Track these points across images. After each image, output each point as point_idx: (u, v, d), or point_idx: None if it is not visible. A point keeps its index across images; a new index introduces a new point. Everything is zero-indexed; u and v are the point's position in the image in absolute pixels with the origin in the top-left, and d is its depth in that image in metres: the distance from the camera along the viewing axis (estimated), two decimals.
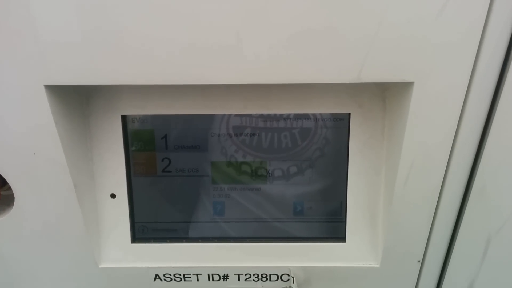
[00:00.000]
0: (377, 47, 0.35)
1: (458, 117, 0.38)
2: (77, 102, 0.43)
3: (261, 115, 0.46)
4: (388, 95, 0.43)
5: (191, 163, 0.48)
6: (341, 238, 0.49)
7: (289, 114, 0.45)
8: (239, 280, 0.49)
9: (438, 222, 0.44)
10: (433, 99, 0.37)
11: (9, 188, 0.44)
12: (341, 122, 0.45)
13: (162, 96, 0.44)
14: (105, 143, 0.46)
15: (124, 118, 0.45)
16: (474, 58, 0.36)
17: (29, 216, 0.45)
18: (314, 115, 0.45)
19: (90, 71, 0.37)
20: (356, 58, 0.36)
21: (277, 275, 0.49)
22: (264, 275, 0.49)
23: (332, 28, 0.35)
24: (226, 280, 0.50)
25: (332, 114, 0.45)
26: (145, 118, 0.46)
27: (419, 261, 0.46)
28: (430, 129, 0.39)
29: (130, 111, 0.45)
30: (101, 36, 0.35)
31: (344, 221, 0.49)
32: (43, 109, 0.38)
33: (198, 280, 0.50)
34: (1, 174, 0.42)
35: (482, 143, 0.40)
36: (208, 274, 0.49)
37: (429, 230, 0.45)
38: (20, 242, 0.47)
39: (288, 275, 0.49)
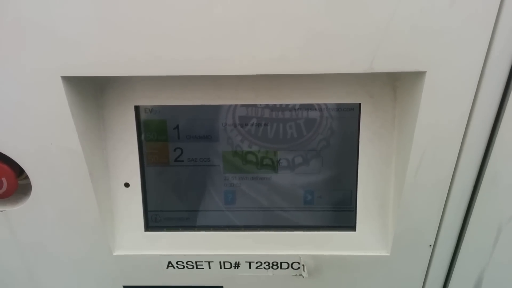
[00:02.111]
0: (389, 36, 0.35)
1: (470, 106, 0.38)
2: (92, 93, 0.44)
3: (271, 105, 0.46)
4: (398, 84, 0.43)
5: (202, 153, 0.49)
6: (351, 227, 0.50)
7: (300, 104, 0.46)
8: (250, 268, 0.50)
9: (448, 211, 0.44)
10: (445, 88, 0.38)
11: (26, 177, 0.45)
12: (352, 112, 0.46)
13: (174, 87, 0.45)
14: (119, 133, 0.47)
15: (137, 108, 0.46)
16: (487, 47, 0.36)
17: (45, 205, 0.46)
18: (324, 105, 0.46)
19: (105, 63, 0.38)
20: (369, 47, 0.36)
21: (288, 263, 0.50)
22: (275, 263, 0.50)
23: (344, 17, 0.35)
24: (237, 268, 0.50)
25: (342, 104, 0.45)
26: (157, 109, 0.46)
27: (430, 245, 0.46)
28: (442, 118, 0.39)
29: (143, 102, 0.46)
30: (115, 29, 0.36)
31: (354, 210, 0.49)
32: (60, 100, 0.39)
33: (210, 267, 0.50)
34: (19, 163, 0.43)
35: (494, 132, 0.40)
36: (220, 262, 0.50)
37: (439, 219, 0.45)
38: (36, 230, 0.48)
39: (299, 263, 0.50)
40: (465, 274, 0.49)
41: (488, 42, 0.36)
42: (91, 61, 0.37)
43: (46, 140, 0.42)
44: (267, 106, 0.46)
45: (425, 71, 0.37)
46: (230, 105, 0.46)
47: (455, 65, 0.37)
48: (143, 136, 0.47)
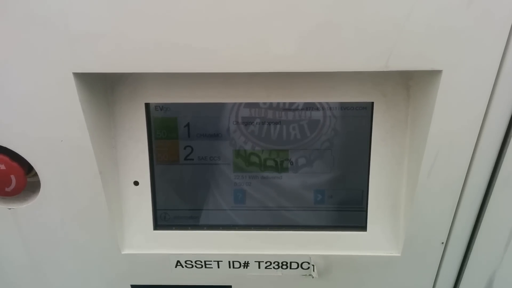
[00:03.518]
0: (406, 35, 0.35)
1: (486, 106, 0.38)
2: (103, 90, 0.44)
3: (282, 104, 0.46)
4: (412, 84, 0.43)
5: (213, 152, 0.48)
6: (362, 227, 0.49)
7: (313, 103, 0.45)
8: (259, 267, 0.50)
9: (461, 212, 0.44)
10: (461, 88, 0.37)
11: (35, 175, 0.44)
12: (364, 111, 0.45)
13: (185, 85, 0.44)
14: (129, 131, 0.46)
15: (147, 106, 0.46)
16: (504, 47, 0.35)
17: (54, 203, 0.46)
18: (337, 103, 0.45)
19: (116, 59, 0.37)
20: (385, 46, 0.36)
21: (298, 263, 0.50)
22: (284, 263, 0.50)
23: (361, 15, 0.35)
24: (246, 268, 0.50)
25: (355, 103, 0.45)
26: (168, 106, 0.46)
27: (442, 243, 0.46)
28: (457, 118, 0.39)
29: (153, 99, 0.45)
30: (126, 26, 0.36)
31: (365, 210, 0.49)
32: (72, 97, 0.39)
33: (219, 267, 0.50)
34: (28, 161, 0.43)
35: (509, 133, 0.39)
36: (229, 261, 0.50)
37: (451, 220, 0.45)
38: (45, 228, 0.48)
39: (309, 263, 0.49)
40: (476, 275, 0.48)
41: (505, 42, 0.35)
42: (103, 57, 0.37)
43: (56, 137, 0.41)
44: (277, 104, 0.46)
45: (441, 70, 0.36)
46: (241, 103, 0.46)
47: (471, 64, 0.36)
48: (153, 133, 0.47)
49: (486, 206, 0.43)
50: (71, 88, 0.38)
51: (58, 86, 0.38)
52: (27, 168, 0.44)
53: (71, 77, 0.38)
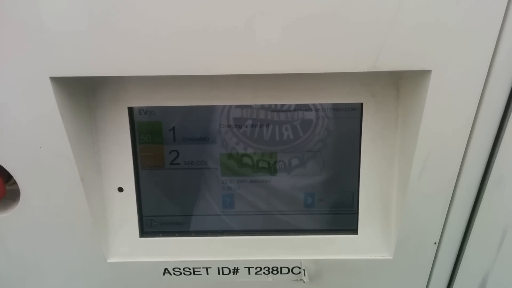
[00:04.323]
0: (395, 34, 0.34)
1: (477, 105, 0.37)
2: (83, 94, 0.42)
3: (270, 106, 0.45)
4: (402, 84, 0.42)
5: (199, 156, 0.47)
6: (353, 230, 0.48)
7: (300, 105, 0.44)
8: (249, 273, 0.49)
9: (453, 213, 0.43)
10: (451, 87, 0.36)
11: (15, 183, 0.43)
12: (354, 112, 0.44)
13: (169, 87, 0.43)
14: (112, 136, 0.45)
15: (131, 110, 0.44)
16: (494, 46, 0.35)
17: (35, 211, 0.44)
18: (325, 105, 0.44)
19: (96, 62, 0.36)
20: (373, 45, 0.35)
21: (288, 268, 0.48)
22: (274, 268, 0.49)
23: (348, 14, 0.34)
24: (236, 274, 0.49)
25: (344, 104, 0.44)
26: (152, 110, 0.45)
27: (435, 243, 0.45)
28: (447, 118, 0.38)
29: (137, 103, 0.44)
30: (107, 26, 0.34)
31: (356, 213, 0.48)
32: (49, 102, 0.37)
33: (208, 273, 0.49)
34: (7, 169, 0.41)
35: (500, 133, 0.39)
36: (218, 268, 0.49)
37: (443, 222, 0.44)
38: (26, 237, 0.46)
39: (299, 268, 0.48)
40: (469, 277, 0.48)
41: (496, 40, 0.34)
42: (81, 60, 0.36)
43: (35, 144, 0.40)
44: (265, 107, 0.45)
45: (431, 70, 0.36)
46: (228, 106, 0.45)
47: (461, 63, 0.35)
48: (137, 138, 0.46)
49: (479, 207, 0.43)
50: (48, 93, 0.37)
51: (34, 91, 0.37)
52: (6, 176, 0.43)
53: (48, 81, 0.36)
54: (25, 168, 0.41)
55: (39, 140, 0.40)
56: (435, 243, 0.45)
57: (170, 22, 0.34)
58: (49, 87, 0.37)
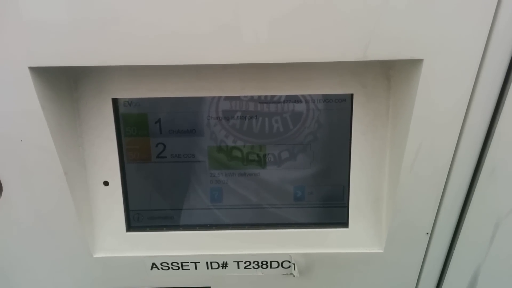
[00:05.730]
0: (384, 22, 0.33)
1: (469, 96, 0.36)
2: (65, 85, 0.41)
3: (258, 98, 0.43)
4: (393, 73, 0.41)
5: (186, 148, 0.46)
6: (344, 223, 0.48)
7: (289, 96, 0.43)
8: (238, 267, 0.48)
9: (445, 206, 0.43)
10: (443, 77, 0.35)
11: None
12: (344, 103, 0.43)
13: (155, 78, 0.42)
14: (96, 128, 0.44)
15: (115, 101, 0.43)
16: (488, 34, 0.34)
17: (18, 206, 0.43)
18: (315, 96, 0.43)
19: (78, 52, 0.35)
20: (362, 34, 0.34)
21: (278, 262, 0.48)
22: (264, 263, 0.48)
23: (336, 1, 0.32)
24: (225, 268, 0.48)
25: (333, 95, 0.43)
26: (137, 102, 0.43)
27: (428, 233, 0.45)
28: (439, 109, 0.37)
29: (121, 94, 0.43)
30: (89, 14, 0.33)
31: (346, 206, 0.47)
32: (29, 93, 0.36)
33: (196, 268, 0.48)
34: None
35: (493, 124, 0.38)
36: (207, 262, 0.48)
37: (435, 215, 0.43)
38: (10, 233, 0.45)
39: (289, 262, 0.48)
40: (461, 269, 0.47)
41: (489, 28, 0.34)
42: (61, 49, 0.34)
43: (15, 137, 0.39)
44: (253, 98, 0.44)
45: (422, 59, 0.35)
46: (215, 97, 0.44)
47: (453, 52, 0.34)
48: (122, 131, 0.44)
49: (471, 199, 0.42)
50: (28, 84, 0.35)
51: (13, 82, 0.36)
52: None
53: (27, 71, 0.35)
54: (6, 162, 0.40)
55: (20, 133, 0.38)
56: (427, 233, 0.45)
57: (154, 10, 0.33)
58: (28, 78, 0.35)
